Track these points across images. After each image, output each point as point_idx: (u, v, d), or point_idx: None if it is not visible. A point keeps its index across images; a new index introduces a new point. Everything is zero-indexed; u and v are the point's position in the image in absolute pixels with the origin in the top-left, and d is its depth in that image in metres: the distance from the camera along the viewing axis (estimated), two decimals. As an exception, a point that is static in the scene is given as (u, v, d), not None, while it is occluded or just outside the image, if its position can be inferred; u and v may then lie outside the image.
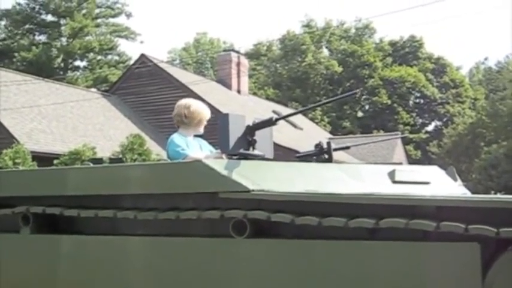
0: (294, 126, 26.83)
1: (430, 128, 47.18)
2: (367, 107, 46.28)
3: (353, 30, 49.37)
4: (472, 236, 2.50)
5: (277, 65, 48.26)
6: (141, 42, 54.54)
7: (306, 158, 4.36)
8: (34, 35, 40.19)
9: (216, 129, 3.21)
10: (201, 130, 4.18)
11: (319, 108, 40.24)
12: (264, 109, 26.78)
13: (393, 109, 43.54)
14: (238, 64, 26.53)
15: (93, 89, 29.43)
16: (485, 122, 32.73)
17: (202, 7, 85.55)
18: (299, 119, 28.61)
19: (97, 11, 40.91)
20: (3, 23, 39.99)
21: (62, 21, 38.99)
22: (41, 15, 39.53)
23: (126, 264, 3.34)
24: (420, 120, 47.18)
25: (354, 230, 2.73)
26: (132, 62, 29.09)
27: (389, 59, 46.77)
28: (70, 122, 19.09)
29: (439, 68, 46.67)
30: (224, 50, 33.82)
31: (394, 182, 3.33)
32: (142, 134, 16.26)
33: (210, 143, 4.26)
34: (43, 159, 13.84)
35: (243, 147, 3.26)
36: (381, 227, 2.66)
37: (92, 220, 3.45)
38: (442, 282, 2.59)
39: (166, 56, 52.19)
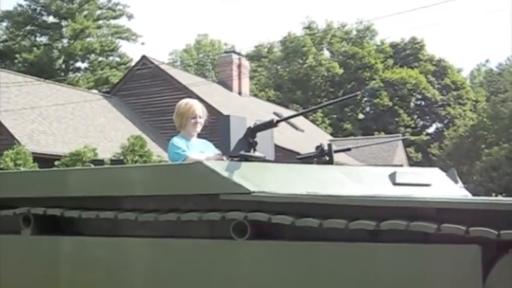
0: (295, 128, 26.83)
1: (431, 130, 47.18)
2: (368, 109, 46.27)
3: (354, 32, 49.38)
4: (472, 238, 2.50)
5: (278, 67, 48.27)
6: (143, 43, 54.70)
7: (306, 159, 4.35)
8: (35, 36, 40.23)
9: (217, 131, 3.21)
10: (198, 127, 4.17)
11: (320, 110, 40.20)
12: (265, 111, 26.78)
13: (394, 111, 43.52)
14: (239, 66, 26.54)
15: (94, 91, 29.46)
16: (486, 124, 32.69)
17: (203, 9, 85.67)
18: (300, 120, 28.62)
19: (98, 12, 40.93)
20: (4, 24, 40.05)
21: (63, 23, 39.01)
22: (42, 16, 39.57)
23: (127, 265, 3.34)
24: (421, 122, 47.15)
25: (355, 232, 2.74)
26: (133, 63, 29.14)
27: (390, 61, 46.77)
28: (71, 123, 19.10)
29: (440, 70, 46.65)
30: (225, 52, 33.82)
31: (395, 184, 3.33)
32: (143, 136, 16.26)
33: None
34: (44, 160, 13.85)
35: (244, 149, 3.26)
36: (381, 229, 2.66)
37: (92, 221, 3.45)
38: (442, 284, 2.58)
39: (167, 58, 52.27)
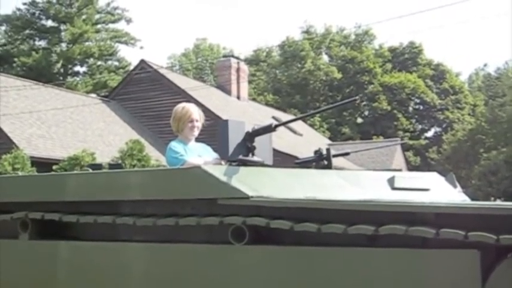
0: (294, 132, 26.84)
1: (429, 134, 47.24)
2: (366, 113, 46.31)
3: (353, 37, 49.47)
4: (471, 243, 2.49)
5: (277, 71, 48.33)
6: (141, 47, 54.69)
7: (305, 164, 4.35)
8: (34, 40, 40.26)
9: (215, 135, 3.21)
10: (195, 131, 4.17)
11: (318, 114, 40.24)
12: (264, 115, 26.80)
13: (393, 115, 43.57)
14: (237, 70, 26.56)
15: (93, 95, 29.47)
16: (484, 128, 32.74)
17: (202, 13, 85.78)
18: (298, 125, 28.63)
19: (97, 16, 40.99)
20: (3, 28, 40.10)
21: (62, 27, 39.06)
22: (41, 20, 39.61)
23: (125, 270, 3.33)
24: (420, 127, 47.22)
25: (353, 236, 2.73)
26: (132, 67, 29.16)
27: (389, 65, 46.85)
28: (69, 128, 19.09)
29: (439, 74, 46.74)
30: (224, 56, 33.85)
31: (394, 188, 3.33)
32: (142, 140, 16.25)
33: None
34: (42, 164, 13.82)
35: (243, 154, 3.26)
36: (380, 234, 2.66)
37: (91, 226, 3.44)
38: (441, 289, 2.58)
39: (166, 62, 52.32)
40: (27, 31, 39.35)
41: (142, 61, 24.11)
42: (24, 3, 39.09)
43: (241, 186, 3.00)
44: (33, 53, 37.10)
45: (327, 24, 51.20)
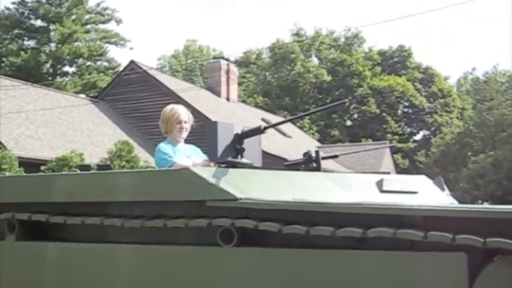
0: (283, 134, 26.86)
1: (418, 137, 47.46)
2: (355, 116, 46.46)
3: (342, 40, 49.59)
4: (459, 246, 2.50)
5: (267, 73, 48.37)
6: (131, 48, 54.39)
7: (294, 166, 4.35)
8: (23, 40, 40.02)
9: (204, 137, 3.20)
10: (183, 133, 4.16)
11: (307, 117, 40.29)
12: (253, 117, 26.79)
13: (382, 118, 43.74)
14: (227, 72, 26.55)
15: (82, 95, 29.32)
16: (472, 131, 32.93)
17: (192, 14, 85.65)
18: (288, 127, 28.66)
19: (87, 16, 40.82)
20: (-9, 27, 39.78)
21: (51, 27, 38.88)
22: (30, 20, 39.39)
23: (113, 272, 3.32)
24: (408, 130, 47.43)
25: (342, 239, 2.73)
26: (121, 68, 29.04)
27: (378, 68, 47.00)
28: (58, 128, 18.98)
29: (428, 77, 46.97)
30: (214, 58, 33.83)
31: (382, 191, 3.34)
32: (131, 141, 16.18)
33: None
34: (30, 165, 13.72)
35: (232, 155, 3.26)
36: (368, 237, 2.66)
37: (78, 227, 3.43)
38: (429, 291, 2.59)
39: (155, 63, 52.18)
40: (16, 31, 39.12)
41: (132, 62, 24.03)
42: (13, 3, 38.88)
43: (229, 188, 2.99)
44: (22, 52, 36.89)
45: (316, 27, 51.36)
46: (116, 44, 41.72)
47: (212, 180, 3.02)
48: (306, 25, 79.48)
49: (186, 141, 4.26)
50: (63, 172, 8.89)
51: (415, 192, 3.45)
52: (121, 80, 23.96)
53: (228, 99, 26.54)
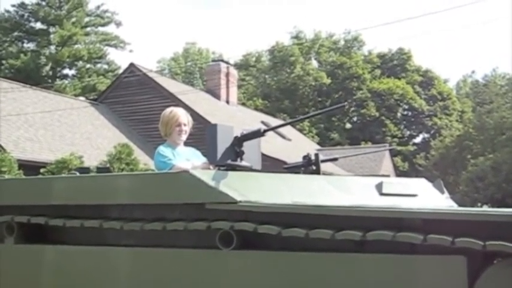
0: (283, 137, 26.85)
1: (417, 140, 47.45)
2: (355, 118, 46.47)
3: (342, 42, 49.64)
4: (458, 249, 2.50)
5: (266, 76, 48.39)
6: (131, 51, 54.40)
7: (293, 169, 4.35)
8: (23, 42, 40.04)
9: (204, 140, 3.20)
10: (182, 135, 4.15)
11: (307, 120, 40.29)
12: (253, 120, 26.79)
13: (381, 121, 43.75)
14: (227, 74, 26.55)
15: (82, 98, 29.29)
16: (472, 134, 32.95)
17: (191, 17, 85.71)
18: (287, 129, 28.65)
19: (86, 19, 40.85)
20: (-9, 30, 39.79)
21: (51, 29, 38.89)
22: (30, 22, 39.41)
23: (112, 274, 3.31)
24: (408, 132, 47.43)
25: (341, 242, 2.73)
26: (121, 71, 29.08)
27: (377, 71, 47.04)
28: (58, 131, 18.97)
29: (427, 80, 47.00)
30: (213, 60, 33.83)
31: (382, 194, 3.34)
32: (130, 144, 16.17)
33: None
34: (30, 167, 13.72)
35: (231, 158, 3.25)
36: (368, 240, 2.66)
37: (77, 230, 3.42)
38: (428, 295, 2.58)
39: (155, 66, 52.17)
40: (15, 33, 39.13)
41: (131, 64, 24.03)
42: (13, 5, 38.98)
43: (229, 191, 2.99)
44: (22, 55, 36.89)
45: (316, 30, 51.49)
46: (115, 46, 41.75)
47: (211, 183, 3.02)
48: (306, 28, 79.45)
49: (186, 143, 4.25)
50: (63, 175, 8.89)
51: (414, 195, 3.45)
52: (121, 83, 23.96)
53: (227, 102, 26.54)
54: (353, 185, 3.43)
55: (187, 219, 3.10)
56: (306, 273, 2.81)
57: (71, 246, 3.47)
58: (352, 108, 45.06)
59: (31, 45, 39.78)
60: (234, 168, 3.22)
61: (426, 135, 46.74)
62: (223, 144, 3.24)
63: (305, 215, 2.86)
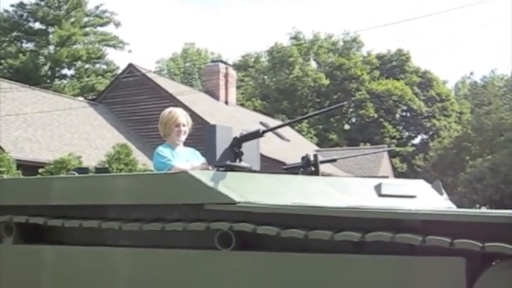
0: (281, 137, 26.85)
1: (416, 141, 47.49)
2: (354, 119, 46.49)
3: (341, 43, 49.68)
4: (457, 251, 2.50)
5: (265, 77, 48.41)
6: (129, 51, 54.41)
7: (292, 170, 4.35)
8: (21, 42, 40.03)
9: (203, 140, 3.20)
10: (181, 136, 4.15)
11: (305, 120, 40.30)
12: (251, 120, 26.80)
13: (380, 122, 43.77)
14: (226, 75, 26.55)
15: (80, 98, 29.27)
16: (470, 135, 32.99)
17: (190, 17, 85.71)
18: (286, 130, 28.65)
19: (85, 19, 40.85)
20: (-10, 30, 39.77)
21: (50, 29, 38.88)
22: (28, 22, 39.40)
23: (111, 275, 3.31)
24: (406, 134, 47.47)
25: (340, 243, 2.73)
26: (119, 71, 29.07)
27: (376, 72, 47.08)
28: (56, 131, 18.96)
29: (426, 81, 47.04)
30: (212, 61, 33.85)
31: (381, 195, 3.34)
32: (129, 144, 16.15)
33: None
34: (28, 167, 13.71)
35: (230, 159, 3.25)
36: (366, 241, 2.66)
37: (76, 230, 3.42)
38: (427, 296, 2.58)
39: (154, 66, 52.19)
40: (14, 33, 39.12)
41: (130, 65, 24.02)
42: (12, 5, 39.06)
43: (228, 192, 2.99)
44: (21, 55, 36.89)
45: (315, 31, 51.52)
46: (114, 46, 41.76)
47: (210, 184, 3.02)
48: (305, 29, 79.50)
49: (185, 144, 4.25)
50: (61, 175, 8.88)
51: (413, 196, 3.46)
52: (119, 83, 23.95)
53: (226, 103, 26.54)
54: (352, 186, 3.43)
55: (186, 219, 3.10)
56: (304, 274, 2.81)
57: (69, 247, 3.47)
58: (351, 109, 45.08)
59: (30, 45, 39.79)
60: (233, 169, 3.22)
61: (425, 137, 46.79)
62: (222, 145, 3.23)
63: (304, 216, 2.86)
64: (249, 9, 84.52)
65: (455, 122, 44.61)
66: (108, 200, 3.40)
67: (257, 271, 2.92)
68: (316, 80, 45.01)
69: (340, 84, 45.39)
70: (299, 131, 37.45)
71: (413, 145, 46.10)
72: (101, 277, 3.31)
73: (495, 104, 33.65)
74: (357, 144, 38.39)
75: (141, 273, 3.20)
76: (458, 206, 3.98)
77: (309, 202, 3.01)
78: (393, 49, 48.80)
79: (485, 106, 35.43)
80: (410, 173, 39.36)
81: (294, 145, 27.59)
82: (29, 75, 33.96)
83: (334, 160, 5.30)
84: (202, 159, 3.94)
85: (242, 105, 36.93)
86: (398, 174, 36.35)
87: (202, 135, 3.24)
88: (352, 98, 43.67)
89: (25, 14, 39.09)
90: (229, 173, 3.15)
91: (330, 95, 45.32)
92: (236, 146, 3.29)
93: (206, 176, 3.07)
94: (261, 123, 26.22)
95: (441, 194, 3.82)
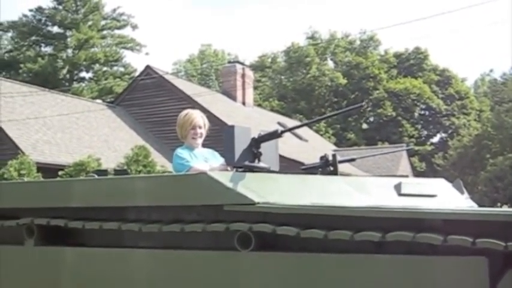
0: (299, 138, 26.81)
1: (435, 139, 47.17)
2: (371, 119, 46.27)
3: (358, 42, 49.50)
4: (479, 250, 2.47)
5: (282, 77, 48.39)
6: (147, 53, 54.94)
7: (311, 170, 4.33)
8: (40, 46, 40.48)
9: (221, 141, 3.20)
10: (198, 138, 4.14)
11: (323, 120, 40.23)
12: (269, 121, 26.80)
13: (398, 121, 43.52)
14: (243, 76, 26.59)
15: (99, 101, 29.56)
16: (490, 133, 32.66)
17: (207, 19, 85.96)
18: (304, 130, 28.61)
19: (103, 22, 41.19)
20: (9, 34, 40.33)
21: (68, 33, 39.26)
22: (47, 26, 39.83)
23: (131, 276, 3.32)
24: (425, 132, 47.14)
25: (360, 243, 2.71)
26: (137, 73, 29.26)
27: (394, 71, 46.83)
28: (75, 133, 19.13)
29: (444, 79, 46.68)
30: (229, 62, 33.91)
31: (400, 194, 3.31)
32: (147, 146, 16.27)
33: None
34: (48, 170, 13.86)
35: (249, 160, 3.24)
36: (387, 241, 2.64)
37: (96, 232, 3.43)
38: (449, 296, 2.55)
39: (171, 68, 52.45)
40: (33, 37, 39.58)
41: (147, 67, 24.17)
42: (31, 10, 39.38)
43: (247, 193, 2.98)
44: (39, 59, 37.30)
45: (331, 30, 51.51)
46: (131, 49, 42.05)
47: (229, 185, 3.01)
48: (321, 28, 79.37)
49: (204, 145, 4.25)
50: (81, 177, 8.95)
51: (434, 196, 3.42)
52: (137, 85, 24.11)
53: (243, 103, 26.57)
54: (371, 186, 3.41)
55: (206, 220, 3.10)
56: (324, 275, 2.80)
57: (89, 248, 3.49)
58: (369, 108, 44.90)
59: (48, 49, 40.24)
60: (251, 169, 3.21)
61: (444, 135, 46.43)
62: (240, 145, 3.23)
63: (324, 216, 2.85)
64: (265, 10, 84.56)
65: (475, 120, 44.19)
66: (127, 201, 3.41)
67: (277, 272, 2.91)
68: (333, 79, 44.90)
69: (357, 83, 45.23)
70: (317, 131, 37.38)
71: (432, 144, 45.78)
72: (120, 278, 3.33)
73: (515, 101, 33.29)
74: (375, 144, 38.20)
75: (160, 274, 3.20)
76: (479, 205, 3.94)
77: (328, 202, 2.99)
78: (411, 47, 48.60)
79: (506, 103, 35.06)
80: (430, 172, 39.07)
81: (312, 145, 27.54)
82: (47, 79, 34.33)
83: (353, 160, 5.27)
84: (221, 160, 3.93)
85: (259, 105, 36.95)
86: (417, 173, 36.11)
87: (220, 136, 3.24)
88: (370, 97, 43.52)
89: (43, 18, 39.53)
90: (248, 174, 3.14)
91: (347, 95, 45.18)
92: (254, 147, 3.29)
93: (225, 177, 3.07)
94: (279, 123, 26.21)
95: (462, 193, 3.77)
